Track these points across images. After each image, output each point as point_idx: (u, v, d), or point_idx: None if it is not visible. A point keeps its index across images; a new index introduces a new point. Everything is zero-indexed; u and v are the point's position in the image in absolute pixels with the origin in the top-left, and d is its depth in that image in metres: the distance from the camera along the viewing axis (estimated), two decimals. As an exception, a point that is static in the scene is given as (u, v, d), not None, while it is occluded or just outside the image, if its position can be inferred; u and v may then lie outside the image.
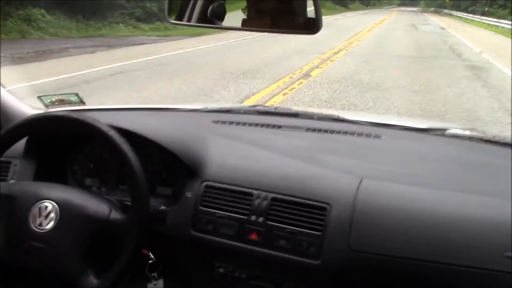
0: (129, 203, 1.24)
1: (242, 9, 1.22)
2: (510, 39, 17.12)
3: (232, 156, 1.36)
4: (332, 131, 1.52)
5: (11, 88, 1.73)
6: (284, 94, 6.93)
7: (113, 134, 1.22)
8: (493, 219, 1.08)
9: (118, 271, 1.19)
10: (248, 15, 1.20)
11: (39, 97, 1.80)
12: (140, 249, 1.25)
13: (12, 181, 1.43)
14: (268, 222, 1.20)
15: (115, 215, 1.23)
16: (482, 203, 1.13)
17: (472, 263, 1.05)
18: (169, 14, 1.32)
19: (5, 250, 1.24)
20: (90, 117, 1.26)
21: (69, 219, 1.22)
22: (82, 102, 1.85)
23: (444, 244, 1.07)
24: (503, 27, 23.94)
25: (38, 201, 1.23)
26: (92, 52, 11.35)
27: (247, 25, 1.20)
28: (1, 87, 1.65)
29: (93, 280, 1.19)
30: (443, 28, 25.83)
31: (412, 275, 1.10)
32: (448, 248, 1.07)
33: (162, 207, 1.30)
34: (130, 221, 1.21)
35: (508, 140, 1.46)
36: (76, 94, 1.86)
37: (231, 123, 1.61)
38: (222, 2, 1.27)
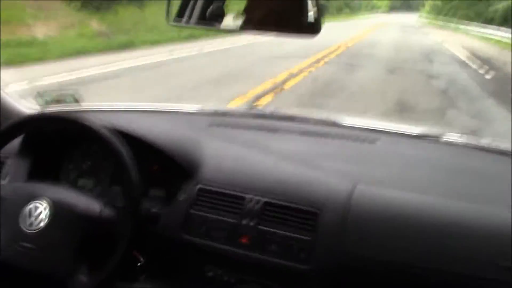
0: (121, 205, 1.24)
1: (240, 11, 1.22)
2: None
3: (227, 160, 1.35)
4: (327, 136, 1.53)
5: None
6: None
7: (104, 131, 1.21)
8: (487, 227, 1.08)
9: (110, 269, 1.19)
10: (247, 17, 1.20)
11: (35, 97, 1.80)
12: (132, 248, 1.25)
13: (4, 180, 1.42)
14: (259, 227, 1.20)
15: (107, 213, 1.22)
16: (475, 210, 1.13)
17: (466, 270, 1.04)
18: (168, 15, 1.32)
19: None
20: (81, 115, 1.26)
21: (60, 218, 1.21)
22: (77, 102, 1.85)
23: (438, 252, 1.07)
24: None
25: (29, 201, 1.23)
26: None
27: (246, 27, 1.20)
28: None
29: (84, 278, 1.19)
30: None
31: (404, 283, 1.10)
32: (442, 255, 1.06)
33: (155, 210, 1.29)
34: (122, 217, 1.20)
35: (502, 147, 1.47)
36: (72, 94, 1.86)
37: (227, 126, 1.61)
38: (221, 3, 1.28)
